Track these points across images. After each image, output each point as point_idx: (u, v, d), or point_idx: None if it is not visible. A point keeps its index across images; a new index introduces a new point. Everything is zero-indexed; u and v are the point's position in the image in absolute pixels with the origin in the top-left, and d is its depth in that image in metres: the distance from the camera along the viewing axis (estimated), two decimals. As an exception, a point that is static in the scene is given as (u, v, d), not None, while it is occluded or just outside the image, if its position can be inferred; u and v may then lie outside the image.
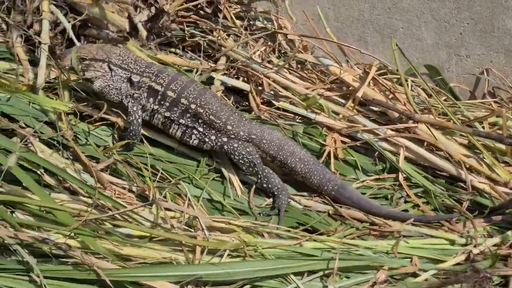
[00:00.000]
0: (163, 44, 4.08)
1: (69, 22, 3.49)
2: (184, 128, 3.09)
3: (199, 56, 4.06)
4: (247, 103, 3.72)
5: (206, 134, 3.07)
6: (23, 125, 2.98)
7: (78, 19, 3.54)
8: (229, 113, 3.07)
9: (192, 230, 2.78)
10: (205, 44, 4.16)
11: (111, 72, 3.07)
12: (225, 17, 4.30)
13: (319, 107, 3.62)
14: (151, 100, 3.09)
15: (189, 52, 4.23)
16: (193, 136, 3.11)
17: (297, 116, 3.71)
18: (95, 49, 3.07)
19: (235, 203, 3.01)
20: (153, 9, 4.06)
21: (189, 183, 3.08)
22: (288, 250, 2.73)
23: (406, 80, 3.74)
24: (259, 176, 3.04)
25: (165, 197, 2.96)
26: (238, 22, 4.26)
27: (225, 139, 3.07)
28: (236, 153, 3.05)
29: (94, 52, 3.04)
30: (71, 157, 2.99)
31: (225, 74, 3.83)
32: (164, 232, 2.53)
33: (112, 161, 3.04)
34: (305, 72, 3.95)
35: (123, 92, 3.11)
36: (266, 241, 2.82)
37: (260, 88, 3.76)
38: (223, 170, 3.22)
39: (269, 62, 3.98)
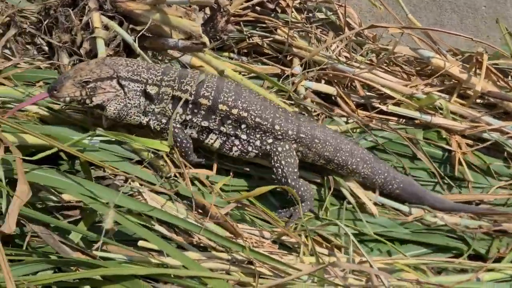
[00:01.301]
0: (215, 49, 3.52)
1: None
2: (224, 138, 2.63)
3: (257, 60, 3.59)
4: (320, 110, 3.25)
5: (250, 141, 2.63)
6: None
7: (143, 29, 2.94)
8: (273, 109, 2.64)
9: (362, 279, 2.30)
10: (265, 44, 3.62)
11: (123, 89, 2.51)
12: (283, 11, 3.77)
13: (431, 107, 3.16)
14: (179, 110, 2.58)
15: (244, 56, 3.68)
16: (234, 148, 2.66)
17: (400, 119, 3.25)
18: (96, 66, 2.47)
19: (382, 229, 2.69)
20: (207, 11, 3.49)
21: (318, 217, 2.74)
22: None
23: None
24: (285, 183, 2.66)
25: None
26: (297, 16, 3.72)
27: (270, 141, 2.65)
28: (275, 158, 2.65)
29: (97, 71, 2.45)
30: (185, 205, 2.48)
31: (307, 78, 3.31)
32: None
33: (235, 205, 2.53)
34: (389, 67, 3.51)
35: (142, 109, 2.57)
36: (446, 279, 2.41)
37: (346, 90, 3.35)
38: (344, 191, 2.80)
39: (348, 59, 3.49)
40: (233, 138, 2.63)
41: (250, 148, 2.67)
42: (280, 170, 2.66)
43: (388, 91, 3.21)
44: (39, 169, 2.29)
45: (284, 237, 2.52)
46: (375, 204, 2.78)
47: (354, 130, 3.16)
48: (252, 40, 3.64)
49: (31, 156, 2.35)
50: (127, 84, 2.50)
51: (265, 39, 3.62)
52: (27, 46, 3.19)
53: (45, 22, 3.00)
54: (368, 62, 3.52)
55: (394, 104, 3.21)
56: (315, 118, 3.14)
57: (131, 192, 2.46)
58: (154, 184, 2.46)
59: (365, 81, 3.24)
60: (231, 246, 2.30)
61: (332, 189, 2.77)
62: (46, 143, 2.31)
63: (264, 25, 3.67)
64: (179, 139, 2.60)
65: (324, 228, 2.56)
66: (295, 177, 2.67)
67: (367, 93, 3.32)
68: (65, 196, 2.34)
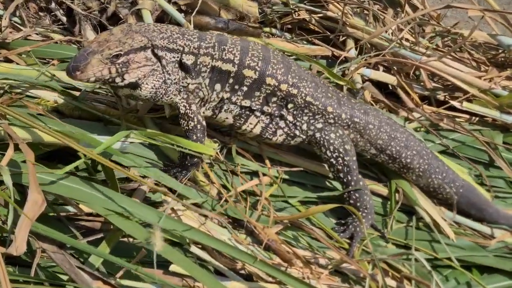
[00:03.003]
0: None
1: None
2: (268, 121, 2.22)
3: (303, 38, 3.11)
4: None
5: (297, 124, 2.24)
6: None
7: (187, 4, 2.50)
8: (325, 88, 2.27)
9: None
10: (313, 21, 3.16)
11: (160, 62, 2.04)
12: (335, -17, 3.30)
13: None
14: (217, 87, 2.14)
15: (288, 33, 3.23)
16: (279, 132, 2.26)
17: (473, 117, 2.82)
18: (124, 35, 1.99)
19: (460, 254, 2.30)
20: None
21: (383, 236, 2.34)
22: None
23: None
24: (350, 187, 2.25)
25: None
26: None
27: (319, 126, 2.25)
28: (331, 147, 2.24)
29: (128, 41, 1.97)
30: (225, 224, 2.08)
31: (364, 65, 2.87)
32: None
33: (285, 225, 2.12)
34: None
35: (180, 84, 2.11)
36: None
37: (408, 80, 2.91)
38: (419, 210, 2.38)
39: (412, 43, 3.04)
40: (278, 119, 2.23)
41: (297, 132, 2.29)
42: (339, 160, 2.25)
43: (460, 84, 2.78)
44: (52, 174, 1.89)
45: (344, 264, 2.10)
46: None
47: (418, 129, 2.73)
48: (299, 15, 3.16)
49: (44, 156, 1.97)
50: (164, 55, 2.06)
51: (314, 14, 3.15)
52: (40, 13, 2.75)
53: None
54: (435, 47, 3.04)
55: (466, 100, 2.75)
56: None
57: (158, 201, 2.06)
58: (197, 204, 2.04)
59: (433, 70, 2.79)
60: (284, 279, 1.89)
61: (400, 202, 2.34)
62: (64, 144, 1.89)
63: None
64: (195, 137, 2.13)
65: (397, 258, 2.13)
66: (356, 172, 2.26)
67: (433, 85, 2.86)
68: (84, 207, 1.94)
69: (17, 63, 2.45)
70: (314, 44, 3.16)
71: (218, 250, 1.95)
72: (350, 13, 3.14)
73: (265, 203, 2.16)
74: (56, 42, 2.53)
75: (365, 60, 2.89)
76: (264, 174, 2.28)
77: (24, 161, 1.91)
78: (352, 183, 2.25)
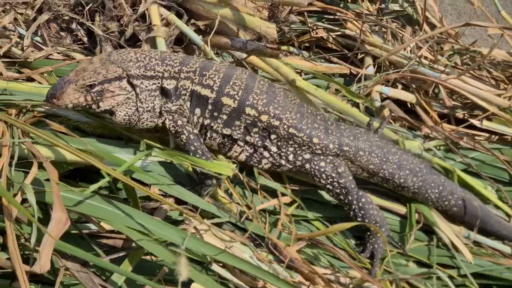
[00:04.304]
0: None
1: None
2: (251, 151, 2.24)
3: (321, 57, 3.15)
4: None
5: (282, 154, 2.23)
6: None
7: (206, 25, 2.54)
8: (311, 118, 2.26)
9: None
10: (331, 39, 3.20)
11: (135, 90, 2.13)
12: (353, 1, 3.34)
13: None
14: (197, 111, 2.20)
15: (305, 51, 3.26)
16: (264, 161, 2.27)
17: (493, 136, 2.82)
18: (100, 66, 2.11)
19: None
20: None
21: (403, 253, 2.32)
22: None
23: None
24: (352, 207, 2.24)
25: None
26: (369, 6, 3.28)
27: (307, 157, 2.24)
28: (324, 175, 2.23)
29: (102, 71, 2.09)
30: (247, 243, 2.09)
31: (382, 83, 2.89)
32: None
33: (306, 243, 2.13)
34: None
35: (158, 111, 2.19)
36: None
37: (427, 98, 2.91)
38: (437, 230, 2.37)
39: (431, 61, 3.06)
40: (262, 149, 2.24)
41: (283, 162, 2.27)
42: (335, 185, 2.25)
43: (479, 101, 2.78)
44: (74, 192, 1.92)
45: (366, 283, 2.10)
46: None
47: (438, 148, 2.73)
48: (316, 33, 3.20)
49: (66, 174, 2.00)
50: (139, 84, 2.14)
51: (332, 32, 3.18)
52: (61, 33, 2.80)
53: (88, 7, 2.60)
54: (454, 65, 3.06)
55: (486, 118, 2.76)
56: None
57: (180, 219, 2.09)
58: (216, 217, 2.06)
59: (453, 88, 2.80)
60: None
61: (421, 223, 2.34)
62: (87, 162, 1.92)
63: (331, 17, 3.23)
64: (193, 148, 2.17)
65: (420, 279, 2.13)
66: (355, 191, 2.26)
67: (452, 103, 2.87)
68: (105, 225, 1.96)
69: (39, 82, 2.49)
70: (331, 62, 3.19)
71: (239, 269, 1.95)
72: (368, 31, 3.16)
73: (286, 220, 2.17)
74: (78, 62, 2.57)
75: (384, 77, 2.90)
76: (283, 194, 2.29)
77: (47, 179, 1.94)
78: (354, 202, 2.25)
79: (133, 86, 2.13)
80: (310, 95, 2.59)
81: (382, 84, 2.90)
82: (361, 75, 2.98)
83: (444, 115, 2.95)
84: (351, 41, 3.17)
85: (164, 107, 2.18)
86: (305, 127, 2.22)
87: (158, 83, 2.16)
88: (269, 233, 2.11)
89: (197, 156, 2.15)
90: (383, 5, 3.43)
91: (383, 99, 2.88)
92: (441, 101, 2.92)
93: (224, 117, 2.19)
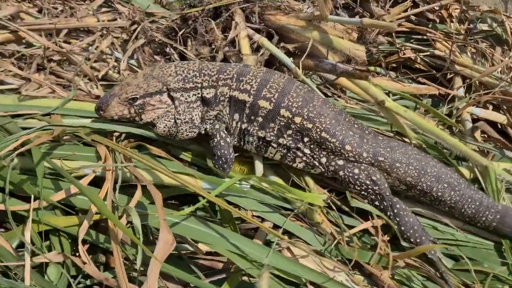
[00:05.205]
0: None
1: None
2: (285, 151, 2.26)
3: (409, 77, 3.15)
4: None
5: (315, 156, 2.25)
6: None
7: (295, 47, 2.58)
8: (346, 125, 2.26)
9: None
10: (419, 59, 3.18)
11: (174, 103, 2.22)
12: (441, 21, 3.31)
13: None
14: (236, 116, 2.25)
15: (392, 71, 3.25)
16: (298, 159, 2.28)
17: None
18: (143, 81, 2.22)
19: None
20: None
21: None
22: None
23: None
24: (388, 213, 2.24)
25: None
26: (458, 27, 3.25)
27: (341, 163, 2.25)
28: (358, 182, 2.24)
29: (144, 86, 2.20)
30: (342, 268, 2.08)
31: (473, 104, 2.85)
32: None
33: (402, 265, 2.12)
34: None
35: (198, 121, 2.27)
36: None
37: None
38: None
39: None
40: (295, 150, 2.26)
41: (316, 163, 2.28)
42: (370, 191, 2.25)
43: None
44: (172, 214, 2.01)
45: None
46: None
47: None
48: (404, 54, 3.19)
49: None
50: (179, 96, 2.23)
51: (420, 53, 3.16)
52: (155, 56, 2.90)
53: (181, 32, 2.68)
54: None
55: None
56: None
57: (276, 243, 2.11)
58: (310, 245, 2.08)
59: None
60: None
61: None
62: (186, 186, 1.99)
63: (419, 37, 3.22)
64: (219, 153, 2.22)
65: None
66: (390, 198, 2.25)
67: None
68: (203, 246, 2.02)
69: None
70: (419, 82, 3.17)
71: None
72: (457, 51, 3.13)
73: (383, 245, 2.18)
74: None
75: (474, 98, 2.86)
76: (378, 216, 2.29)
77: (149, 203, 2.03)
78: (389, 208, 2.25)
79: (172, 100, 2.22)
80: (399, 116, 2.58)
81: (473, 105, 2.86)
82: (451, 96, 2.95)
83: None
84: (440, 62, 3.15)
85: (207, 116, 2.26)
86: (338, 133, 2.23)
87: (198, 93, 2.25)
88: (363, 257, 2.11)
89: (220, 162, 2.22)
90: (471, 25, 3.38)
91: (474, 120, 2.84)
92: (534, 123, 2.86)
93: (260, 119, 2.24)
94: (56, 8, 3.20)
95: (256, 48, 2.67)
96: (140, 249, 1.84)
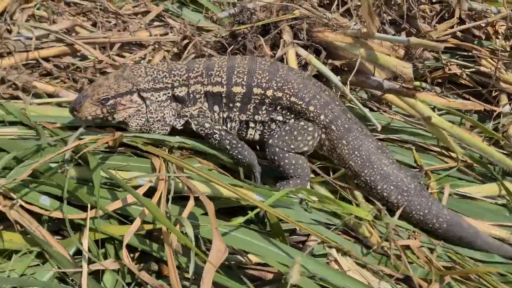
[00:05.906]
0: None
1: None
2: (261, 128, 2.40)
3: (455, 93, 3.17)
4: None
5: (287, 122, 2.37)
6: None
7: (342, 64, 2.63)
8: (316, 90, 2.34)
9: None
10: (464, 75, 3.19)
11: (145, 102, 2.35)
12: (487, 38, 3.32)
13: None
14: (216, 108, 2.38)
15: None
16: (273, 132, 2.39)
17: None
18: (114, 81, 2.35)
19: None
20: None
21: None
22: None
23: None
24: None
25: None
26: (503, 43, 3.25)
27: (302, 123, 2.36)
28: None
29: (114, 86, 2.33)
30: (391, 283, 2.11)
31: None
32: None
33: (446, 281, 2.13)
34: None
35: (170, 119, 2.38)
36: None
37: None
38: None
39: None
40: (269, 123, 2.38)
41: (273, 126, 2.41)
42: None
43: None
44: (222, 225, 2.06)
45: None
46: None
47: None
48: (450, 69, 3.21)
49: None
50: (149, 96, 2.36)
51: (466, 69, 3.17)
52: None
53: (230, 48, 2.76)
54: None
55: None
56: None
57: (322, 254, 2.17)
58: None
59: None
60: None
61: None
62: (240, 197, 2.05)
63: (464, 53, 3.24)
64: (227, 141, 2.31)
65: None
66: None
67: None
68: (252, 257, 2.07)
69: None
70: (464, 98, 3.19)
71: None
72: (503, 68, 3.14)
73: (431, 257, 2.20)
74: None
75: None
76: (422, 229, 2.32)
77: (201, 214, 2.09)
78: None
79: (143, 99, 2.35)
80: (445, 132, 2.61)
81: (517, 122, 2.87)
82: (497, 112, 2.96)
83: None
84: (485, 78, 3.16)
85: (182, 112, 2.38)
86: (305, 96, 2.32)
87: (169, 93, 2.37)
88: (409, 270, 2.13)
89: (233, 148, 2.31)
90: (516, 42, 3.39)
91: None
92: None
93: (238, 104, 2.36)
94: (110, 22, 3.31)
95: (303, 65, 2.72)
96: (193, 257, 1.89)
